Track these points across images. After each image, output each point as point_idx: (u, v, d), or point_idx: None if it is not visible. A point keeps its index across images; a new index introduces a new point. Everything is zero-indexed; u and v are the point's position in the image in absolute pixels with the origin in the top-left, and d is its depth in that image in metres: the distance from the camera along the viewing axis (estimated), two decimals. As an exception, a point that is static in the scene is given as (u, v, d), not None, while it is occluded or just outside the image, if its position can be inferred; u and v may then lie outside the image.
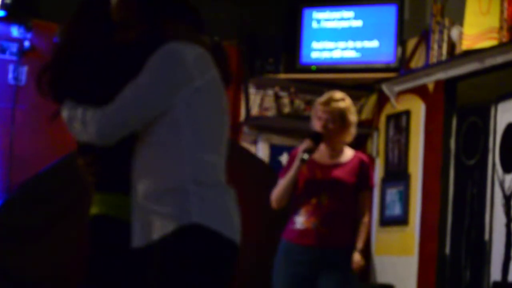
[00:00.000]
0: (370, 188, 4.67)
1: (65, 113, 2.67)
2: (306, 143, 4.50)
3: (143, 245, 2.60)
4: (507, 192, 5.64)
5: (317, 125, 4.60)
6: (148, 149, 2.60)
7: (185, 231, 2.51)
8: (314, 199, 4.51)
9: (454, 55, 6.12)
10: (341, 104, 4.62)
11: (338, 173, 4.56)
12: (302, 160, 4.45)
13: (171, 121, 2.56)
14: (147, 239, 2.58)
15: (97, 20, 2.75)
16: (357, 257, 4.52)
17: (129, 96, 2.55)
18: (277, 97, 6.98)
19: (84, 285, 2.77)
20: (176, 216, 2.52)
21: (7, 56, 6.30)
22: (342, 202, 4.54)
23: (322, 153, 4.62)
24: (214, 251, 2.53)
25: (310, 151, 4.48)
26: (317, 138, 4.52)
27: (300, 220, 4.52)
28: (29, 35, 6.34)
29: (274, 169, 6.30)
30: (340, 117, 4.58)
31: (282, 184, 4.54)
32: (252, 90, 7.04)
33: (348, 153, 4.65)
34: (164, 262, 2.53)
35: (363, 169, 4.61)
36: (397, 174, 6.81)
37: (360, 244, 4.55)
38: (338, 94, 4.67)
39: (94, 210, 2.79)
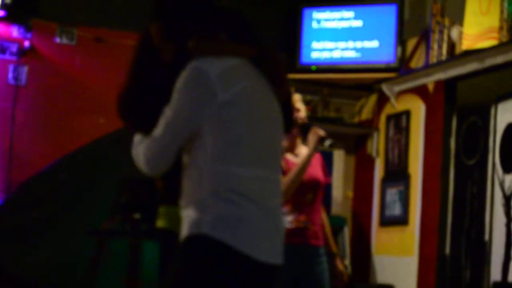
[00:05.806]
0: (327, 183, 4.78)
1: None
2: (320, 131, 4.48)
3: None
4: (507, 192, 5.64)
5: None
6: (186, 165, 2.67)
7: (193, 240, 2.56)
8: (301, 197, 4.53)
9: (454, 55, 6.12)
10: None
11: (314, 171, 4.60)
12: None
13: (200, 137, 2.60)
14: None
15: (148, 53, 2.78)
16: (341, 264, 4.70)
17: (163, 123, 2.61)
18: (277, 97, 6.98)
19: None
20: (189, 225, 2.59)
21: (7, 56, 6.31)
22: (320, 199, 4.63)
23: (291, 150, 4.62)
24: (218, 262, 2.55)
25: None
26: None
27: (288, 219, 4.53)
28: (29, 35, 6.34)
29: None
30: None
31: (292, 176, 4.42)
32: (252, 90, 7.03)
33: (302, 150, 4.65)
34: (174, 267, 2.60)
35: (323, 166, 4.70)
36: (397, 174, 6.81)
37: (336, 248, 4.75)
38: None
39: (160, 223, 2.96)
